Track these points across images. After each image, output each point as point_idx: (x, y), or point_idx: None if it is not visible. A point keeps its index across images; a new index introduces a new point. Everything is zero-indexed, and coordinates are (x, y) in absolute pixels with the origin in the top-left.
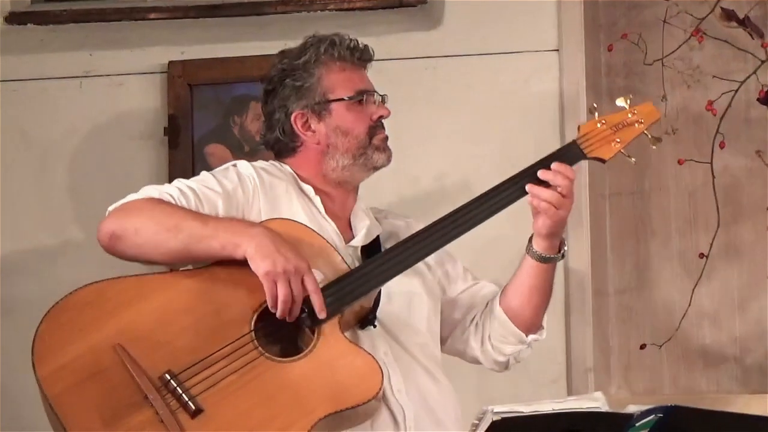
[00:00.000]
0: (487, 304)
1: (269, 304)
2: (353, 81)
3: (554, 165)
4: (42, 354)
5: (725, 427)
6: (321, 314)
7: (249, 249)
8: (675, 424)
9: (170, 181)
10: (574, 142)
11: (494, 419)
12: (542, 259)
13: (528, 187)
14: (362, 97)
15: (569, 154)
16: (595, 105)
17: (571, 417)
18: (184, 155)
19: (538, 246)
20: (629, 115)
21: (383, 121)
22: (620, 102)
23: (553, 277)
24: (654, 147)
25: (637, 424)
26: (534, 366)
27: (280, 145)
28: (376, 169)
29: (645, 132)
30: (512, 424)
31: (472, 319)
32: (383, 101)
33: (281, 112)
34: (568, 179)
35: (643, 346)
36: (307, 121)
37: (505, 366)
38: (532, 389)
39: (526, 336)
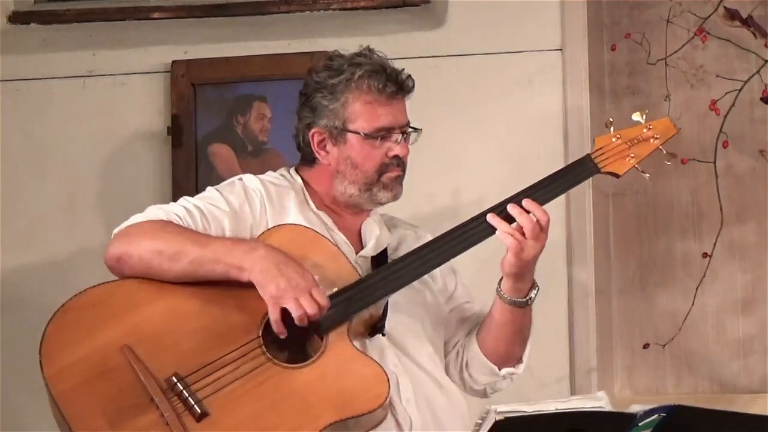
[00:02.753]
0: (468, 332)
1: (273, 327)
2: (377, 116)
3: (525, 202)
4: (49, 353)
5: (728, 426)
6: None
7: (253, 274)
8: (678, 424)
9: (173, 180)
10: (588, 155)
11: (497, 419)
12: (507, 301)
13: (489, 218)
14: (380, 135)
15: (583, 167)
16: (611, 119)
17: (575, 416)
18: (187, 155)
19: (505, 286)
20: (645, 130)
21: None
22: (636, 116)
23: (527, 320)
24: (668, 163)
25: (640, 424)
26: (537, 366)
27: (302, 152)
28: (380, 204)
29: (660, 148)
30: (515, 424)
31: (454, 345)
32: (407, 138)
33: (304, 123)
34: (532, 222)
35: (646, 346)
36: (323, 140)
37: (483, 394)
38: (535, 389)
39: (500, 370)
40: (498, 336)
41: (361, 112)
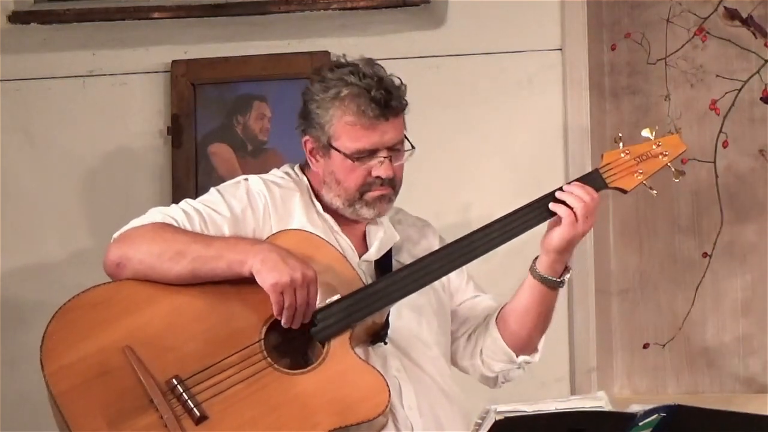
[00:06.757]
0: (486, 318)
1: (275, 313)
2: (357, 139)
3: (573, 185)
4: (50, 351)
5: (728, 426)
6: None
7: (255, 264)
8: (678, 424)
9: (173, 180)
10: (596, 170)
11: (497, 418)
12: (542, 279)
13: (558, 194)
14: (359, 157)
15: (591, 182)
16: (620, 135)
17: (574, 416)
18: (187, 154)
19: (541, 264)
20: (654, 147)
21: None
22: (646, 132)
23: (553, 305)
24: (677, 180)
25: (640, 424)
26: (537, 365)
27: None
28: (365, 219)
29: (669, 165)
30: (515, 424)
31: (465, 332)
32: (395, 157)
33: (301, 128)
34: (582, 201)
35: (646, 346)
36: (314, 149)
37: (494, 382)
38: (535, 389)
39: (517, 357)
40: (522, 320)
41: (345, 131)
